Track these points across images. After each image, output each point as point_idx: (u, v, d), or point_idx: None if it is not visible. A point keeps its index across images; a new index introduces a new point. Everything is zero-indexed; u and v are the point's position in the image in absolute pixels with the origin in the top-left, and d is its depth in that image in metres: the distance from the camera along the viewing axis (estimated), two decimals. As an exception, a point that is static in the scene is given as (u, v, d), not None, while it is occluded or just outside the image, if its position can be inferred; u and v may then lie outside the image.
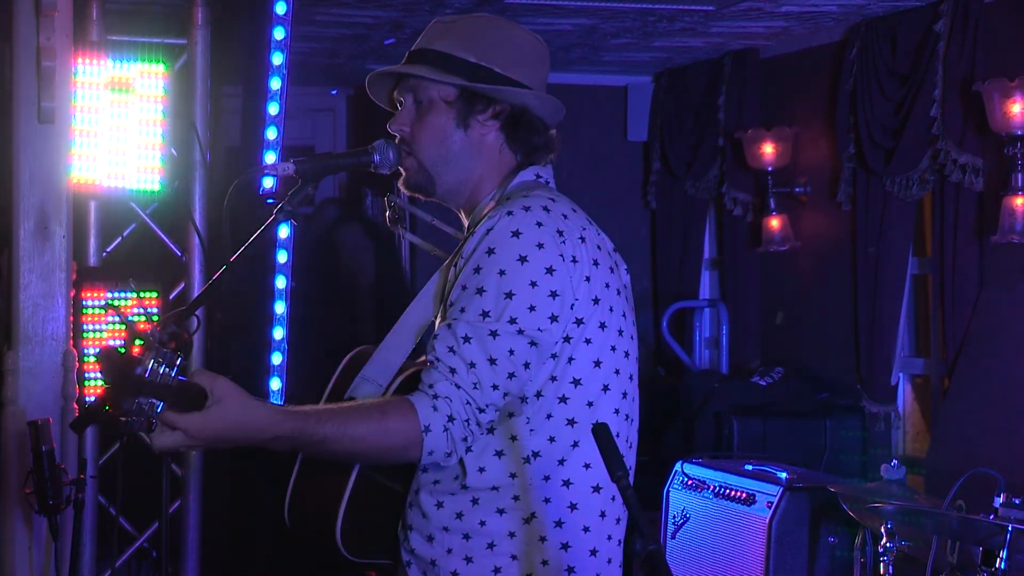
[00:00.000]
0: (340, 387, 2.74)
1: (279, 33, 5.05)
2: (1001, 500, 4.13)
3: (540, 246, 2.54)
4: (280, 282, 5.20)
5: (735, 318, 6.97)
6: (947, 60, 5.44)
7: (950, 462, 5.24)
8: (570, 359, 2.58)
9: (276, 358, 5.21)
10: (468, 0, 5.61)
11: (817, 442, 5.93)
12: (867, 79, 5.89)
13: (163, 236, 5.39)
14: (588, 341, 2.59)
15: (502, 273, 2.52)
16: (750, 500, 5.05)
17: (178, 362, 2.30)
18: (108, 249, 5.37)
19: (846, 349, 6.21)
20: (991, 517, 4.08)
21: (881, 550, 4.37)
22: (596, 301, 2.60)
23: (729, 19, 6.01)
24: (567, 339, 2.57)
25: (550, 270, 2.54)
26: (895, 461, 4.65)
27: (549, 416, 2.59)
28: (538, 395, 2.58)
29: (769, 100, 6.82)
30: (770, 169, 6.59)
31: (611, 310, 2.63)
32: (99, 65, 4.99)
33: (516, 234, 2.54)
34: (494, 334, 2.51)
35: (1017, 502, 4.08)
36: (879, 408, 5.97)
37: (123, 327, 2.34)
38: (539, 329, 2.53)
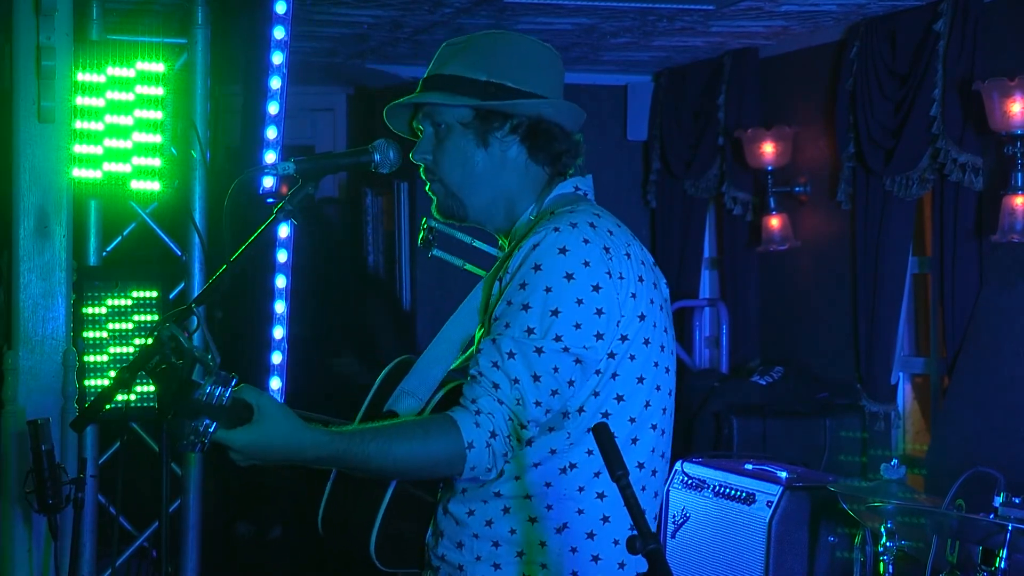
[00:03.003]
0: (379, 399, 2.74)
1: (279, 32, 5.04)
2: (1001, 500, 4.13)
3: (586, 264, 2.54)
4: (280, 281, 5.19)
5: (735, 318, 6.97)
6: (947, 60, 5.44)
7: (950, 462, 5.24)
8: (614, 375, 2.58)
9: (276, 357, 5.21)
10: (467, 0, 5.61)
11: (817, 442, 5.94)
12: (867, 78, 5.89)
13: (163, 236, 5.39)
14: (632, 358, 2.60)
15: (548, 290, 2.52)
16: (750, 499, 5.05)
17: (232, 383, 2.31)
18: (108, 249, 5.37)
19: (846, 349, 6.21)
20: (991, 517, 4.08)
21: (881, 550, 4.37)
22: (642, 317, 2.60)
23: (729, 18, 6.02)
24: (611, 355, 2.57)
25: (596, 288, 2.54)
26: (895, 461, 4.65)
27: (589, 430, 2.57)
28: (580, 411, 2.58)
29: (769, 99, 6.83)
30: (770, 168, 6.59)
31: (655, 326, 2.63)
32: (99, 65, 4.99)
33: (563, 251, 2.54)
34: (539, 351, 2.50)
35: (1017, 501, 4.08)
36: (879, 407, 5.97)
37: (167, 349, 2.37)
38: (584, 347, 2.53)
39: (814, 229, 6.57)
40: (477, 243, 2.86)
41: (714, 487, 5.22)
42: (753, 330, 6.97)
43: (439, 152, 2.71)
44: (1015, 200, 5.19)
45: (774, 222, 6.62)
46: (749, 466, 5.26)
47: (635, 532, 2.67)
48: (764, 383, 6.24)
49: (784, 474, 5.09)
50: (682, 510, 5.34)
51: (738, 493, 5.11)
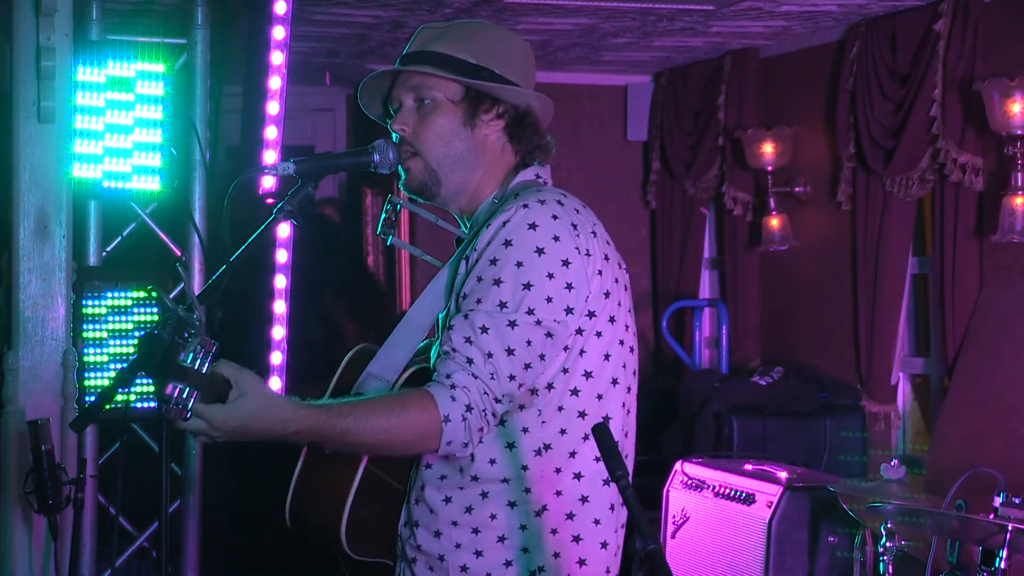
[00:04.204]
0: (344, 384, 2.75)
1: (279, 32, 5.04)
2: (1001, 500, 4.13)
3: (556, 239, 2.57)
4: (280, 282, 5.19)
5: (735, 318, 6.96)
6: (947, 60, 5.44)
7: (950, 462, 5.24)
8: (582, 352, 2.61)
9: (276, 358, 5.21)
10: (467, 0, 5.61)
11: (817, 442, 5.93)
12: (867, 79, 5.89)
13: (163, 236, 5.39)
14: (599, 334, 2.62)
15: (519, 264, 2.55)
16: (750, 500, 5.05)
17: (213, 350, 2.32)
18: (108, 249, 5.37)
19: (846, 349, 6.21)
20: (991, 517, 4.08)
21: (881, 550, 4.37)
22: (607, 295, 2.63)
23: (729, 19, 6.02)
24: (579, 331, 2.60)
25: (566, 263, 2.56)
26: (895, 461, 4.65)
27: (560, 408, 2.61)
28: (549, 387, 2.60)
29: (769, 100, 6.82)
30: (770, 169, 6.59)
31: (619, 305, 2.66)
32: (99, 65, 4.99)
33: (533, 226, 2.56)
34: (512, 324, 2.52)
35: (1017, 502, 4.08)
36: (879, 408, 5.97)
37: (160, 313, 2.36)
38: (556, 320, 2.56)
39: (814, 229, 6.57)
40: (442, 223, 2.85)
41: (714, 487, 5.22)
42: (753, 330, 6.97)
43: (422, 126, 2.71)
44: (1015, 200, 5.19)
45: (774, 222, 6.61)
46: (749, 466, 5.26)
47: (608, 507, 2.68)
48: (764, 383, 6.24)
49: (784, 474, 5.08)
50: (682, 510, 5.34)
51: (738, 494, 5.10)
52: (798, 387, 6.22)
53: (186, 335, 2.30)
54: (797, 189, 6.60)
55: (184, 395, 2.29)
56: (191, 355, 2.29)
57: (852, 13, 5.87)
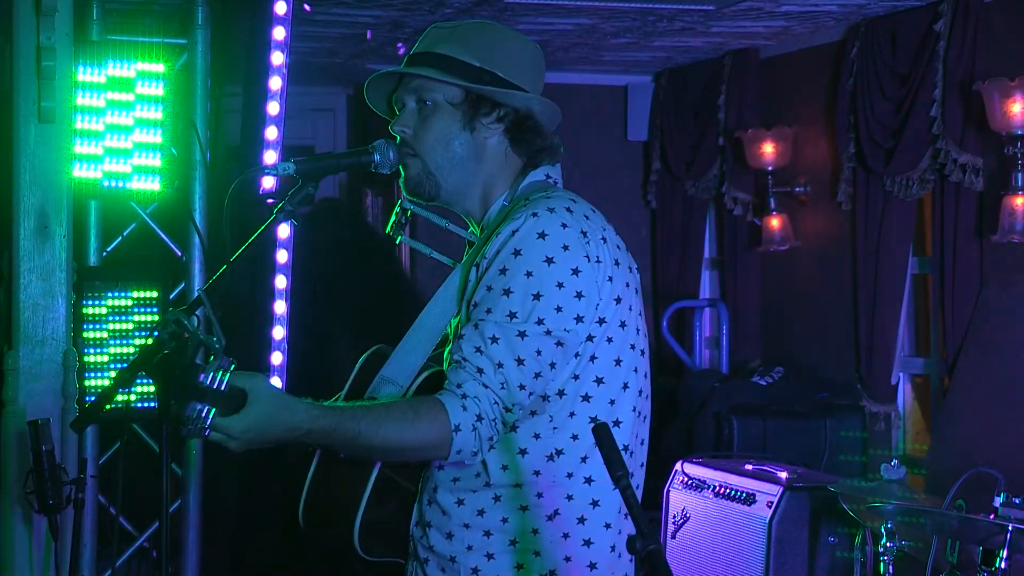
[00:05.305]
0: (358, 387, 2.75)
1: (279, 33, 5.04)
2: (1001, 500, 4.13)
3: (566, 248, 2.57)
4: (280, 282, 5.19)
5: (735, 318, 6.97)
6: (947, 60, 5.44)
7: (950, 462, 5.24)
8: (592, 358, 2.61)
9: (276, 358, 5.21)
10: (467, 0, 5.61)
11: (817, 442, 5.93)
12: (867, 79, 5.89)
13: (163, 236, 5.39)
14: (610, 340, 2.62)
15: (529, 274, 2.55)
16: (750, 500, 5.05)
17: (231, 368, 2.34)
18: (108, 249, 5.37)
19: (846, 349, 6.21)
20: (991, 517, 4.08)
21: (881, 550, 4.37)
22: (618, 300, 2.63)
23: (729, 19, 6.02)
24: (590, 338, 2.60)
25: (576, 271, 2.57)
26: (895, 461, 4.65)
27: (572, 414, 2.61)
28: (560, 394, 2.60)
29: (769, 100, 6.82)
30: (770, 169, 6.59)
31: (630, 309, 2.67)
32: (99, 65, 4.99)
33: (542, 235, 2.56)
34: (522, 335, 2.53)
35: (1017, 502, 4.08)
36: (879, 408, 5.97)
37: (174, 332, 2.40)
38: (565, 330, 2.56)
39: (814, 229, 6.57)
40: (452, 227, 2.86)
41: (714, 487, 5.22)
42: (753, 330, 6.97)
43: (422, 128, 2.72)
44: (1015, 200, 5.19)
45: (774, 222, 6.61)
46: (749, 466, 5.26)
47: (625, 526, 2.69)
48: (764, 383, 6.24)
49: (784, 474, 5.09)
50: (682, 510, 5.34)
51: (738, 493, 5.11)
52: (798, 387, 6.22)
53: (211, 357, 2.33)
54: (797, 189, 6.60)
55: (203, 414, 2.32)
56: (210, 374, 2.31)
57: (852, 13, 5.87)
